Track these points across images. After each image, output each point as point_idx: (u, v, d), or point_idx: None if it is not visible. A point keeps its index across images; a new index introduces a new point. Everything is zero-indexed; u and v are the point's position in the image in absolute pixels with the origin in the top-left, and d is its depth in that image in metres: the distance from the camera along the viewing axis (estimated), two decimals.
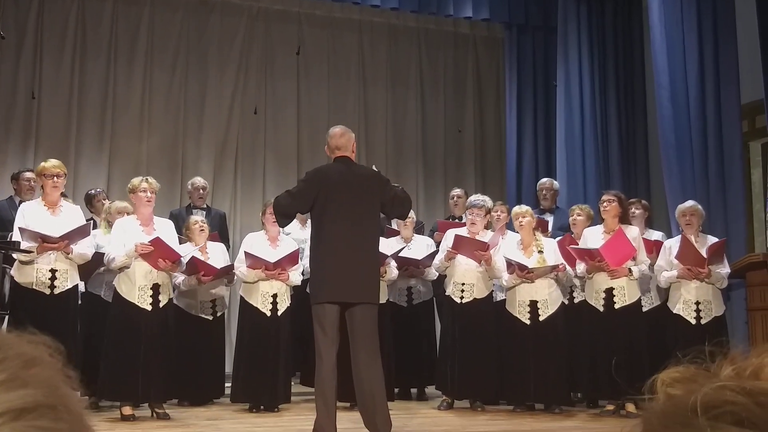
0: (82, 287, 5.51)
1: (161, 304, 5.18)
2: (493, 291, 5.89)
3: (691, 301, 5.50)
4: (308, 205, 4.41)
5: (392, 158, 9.05)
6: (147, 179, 5.30)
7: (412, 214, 6.29)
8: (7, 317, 5.01)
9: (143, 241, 5.09)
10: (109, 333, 5.14)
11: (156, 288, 5.17)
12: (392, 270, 5.81)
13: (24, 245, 4.89)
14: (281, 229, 5.81)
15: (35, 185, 5.79)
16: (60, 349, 0.60)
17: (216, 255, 5.93)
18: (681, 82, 6.80)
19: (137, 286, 5.13)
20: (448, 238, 5.83)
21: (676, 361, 0.60)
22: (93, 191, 6.60)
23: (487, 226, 6.05)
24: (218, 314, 6.05)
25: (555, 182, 7.25)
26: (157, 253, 5.10)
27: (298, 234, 6.31)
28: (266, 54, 8.78)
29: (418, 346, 6.25)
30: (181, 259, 5.31)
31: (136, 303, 5.11)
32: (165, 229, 5.31)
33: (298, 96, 8.85)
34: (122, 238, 5.16)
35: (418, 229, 6.62)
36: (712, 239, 5.65)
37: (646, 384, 0.60)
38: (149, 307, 5.12)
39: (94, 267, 5.50)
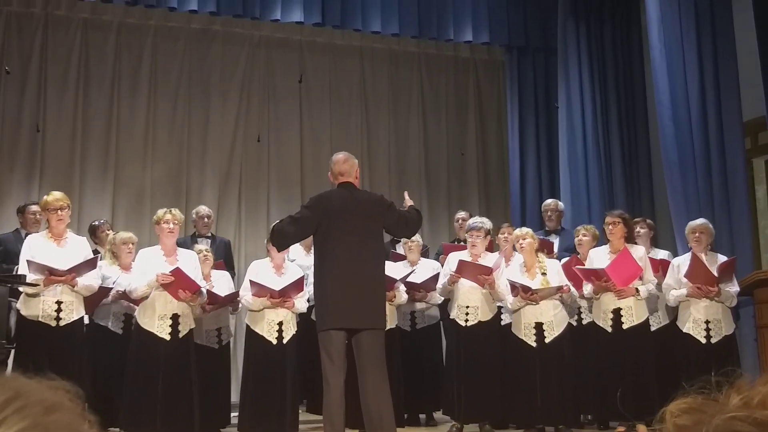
0: (86, 319, 5.50)
1: (181, 335, 5.19)
2: (502, 314, 5.87)
3: (701, 320, 5.46)
4: (311, 232, 4.42)
5: (395, 182, 9.05)
6: (171, 211, 5.35)
7: (418, 237, 6.30)
8: (13, 351, 5.00)
9: (164, 272, 5.12)
10: (129, 363, 5.17)
11: (176, 318, 5.18)
12: (401, 294, 5.80)
13: (31, 278, 4.89)
14: (286, 256, 5.82)
15: (41, 218, 5.80)
16: (79, 394, 0.60)
17: (221, 284, 5.92)
18: (682, 101, 6.80)
19: (157, 316, 5.15)
20: (451, 261, 5.82)
21: (683, 392, 0.59)
22: (97, 222, 6.62)
23: (490, 248, 6.03)
24: (224, 343, 6.03)
25: (560, 203, 7.23)
26: (177, 283, 5.13)
27: (303, 260, 6.30)
28: (268, 81, 8.84)
29: (423, 370, 6.21)
30: (202, 290, 5.33)
31: (156, 333, 5.12)
32: (187, 260, 5.34)
33: (300, 122, 8.89)
34: (144, 268, 5.20)
35: (424, 253, 6.61)
36: (722, 258, 5.62)
37: (656, 411, 0.59)
38: (168, 337, 5.13)
39: (98, 299, 5.50)
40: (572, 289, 5.62)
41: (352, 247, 4.30)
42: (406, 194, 4.89)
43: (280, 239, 4.56)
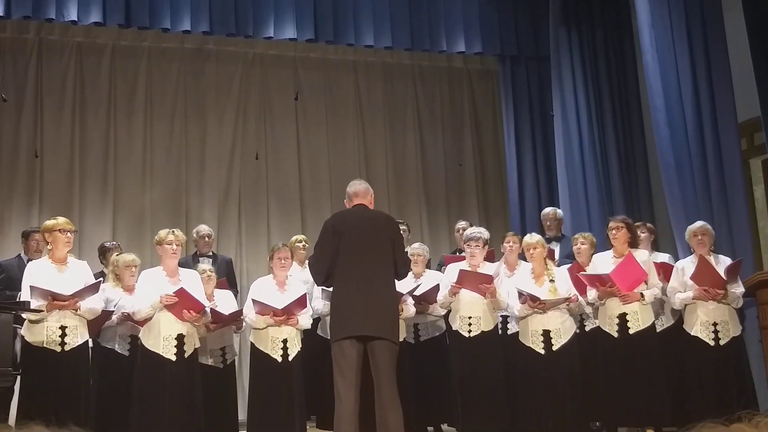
0: (90, 342, 5.49)
1: (186, 354, 5.19)
2: (508, 323, 5.88)
3: (709, 322, 5.46)
4: (333, 248, 4.49)
5: (394, 195, 9.07)
6: (173, 232, 5.37)
7: (424, 251, 6.31)
8: (19, 377, 4.98)
9: (168, 292, 5.13)
10: (135, 384, 5.17)
11: (180, 338, 5.18)
12: (410, 307, 5.80)
13: (34, 304, 4.88)
14: (288, 273, 5.82)
15: (42, 247, 5.77)
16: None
17: (224, 303, 5.92)
18: (677, 104, 6.83)
19: (162, 337, 5.15)
20: (450, 272, 5.82)
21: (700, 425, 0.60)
22: (108, 244, 6.60)
23: (489, 258, 6.02)
24: (228, 362, 6.02)
25: (558, 211, 7.24)
26: (181, 303, 5.13)
27: (299, 275, 6.30)
28: (264, 99, 8.86)
29: (430, 382, 6.18)
30: (206, 309, 5.33)
31: (161, 353, 5.12)
32: (190, 280, 5.35)
33: (297, 138, 8.91)
34: (147, 290, 5.20)
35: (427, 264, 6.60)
36: (724, 259, 5.64)
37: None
38: (174, 357, 5.13)
39: (100, 322, 5.50)
40: (580, 298, 5.61)
41: (364, 261, 4.41)
42: None
43: (315, 270, 4.63)
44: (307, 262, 6.73)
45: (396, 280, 4.71)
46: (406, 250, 6.51)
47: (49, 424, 0.60)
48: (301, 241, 6.76)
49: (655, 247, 6.40)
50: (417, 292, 6.00)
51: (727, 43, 6.70)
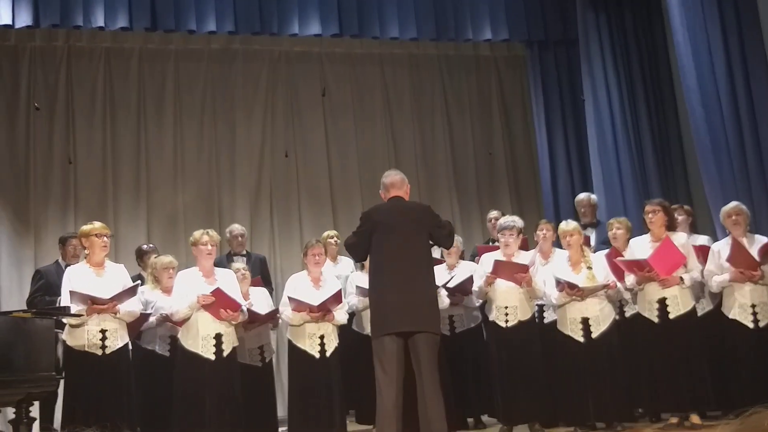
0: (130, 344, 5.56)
1: (225, 353, 5.23)
2: (544, 312, 5.83)
3: (747, 304, 5.37)
4: (369, 241, 4.55)
5: (424, 187, 9.03)
6: (208, 232, 5.42)
7: (458, 242, 6.29)
8: (62, 381, 5.06)
9: (205, 293, 5.17)
10: (175, 384, 5.22)
11: (219, 337, 5.22)
12: (443, 299, 5.78)
13: (74, 308, 4.95)
14: (322, 269, 5.84)
15: (80, 251, 5.85)
16: None
17: (259, 301, 5.95)
18: (710, 83, 6.71)
19: (200, 336, 5.19)
20: (485, 263, 5.78)
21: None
22: (146, 247, 6.68)
23: (524, 246, 5.97)
24: (267, 360, 6.06)
25: (593, 196, 7.15)
26: (218, 303, 5.18)
27: (332, 270, 6.31)
28: (291, 96, 8.88)
29: (468, 373, 6.16)
30: (243, 308, 5.37)
31: (200, 353, 5.16)
32: (226, 280, 5.39)
33: (326, 134, 8.92)
34: (184, 290, 5.25)
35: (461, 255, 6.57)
36: (761, 238, 5.53)
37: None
38: (213, 357, 5.17)
39: (138, 324, 5.56)
40: (618, 284, 5.54)
41: (402, 255, 4.45)
42: None
43: (351, 252, 4.91)
44: (338, 258, 6.81)
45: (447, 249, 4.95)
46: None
47: (104, 430, 0.59)
48: (332, 237, 6.77)
49: (694, 229, 6.29)
50: (451, 284, 5.98)
51: (760, 19, 6.56)
